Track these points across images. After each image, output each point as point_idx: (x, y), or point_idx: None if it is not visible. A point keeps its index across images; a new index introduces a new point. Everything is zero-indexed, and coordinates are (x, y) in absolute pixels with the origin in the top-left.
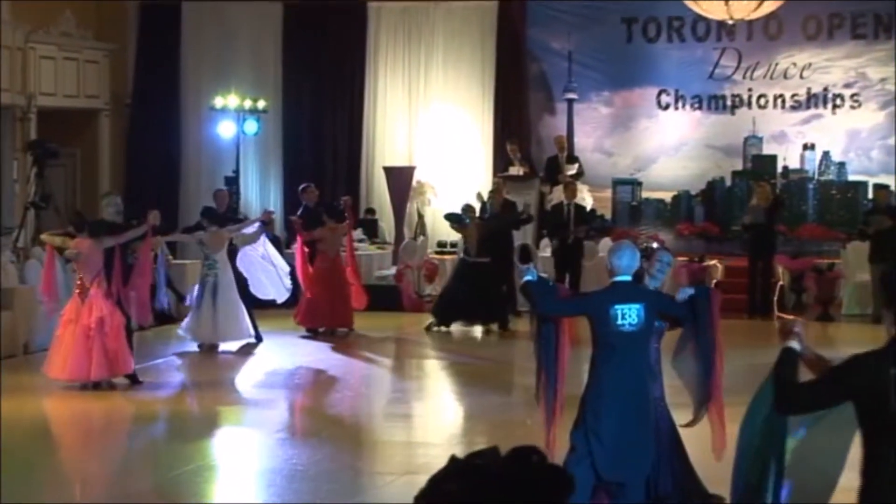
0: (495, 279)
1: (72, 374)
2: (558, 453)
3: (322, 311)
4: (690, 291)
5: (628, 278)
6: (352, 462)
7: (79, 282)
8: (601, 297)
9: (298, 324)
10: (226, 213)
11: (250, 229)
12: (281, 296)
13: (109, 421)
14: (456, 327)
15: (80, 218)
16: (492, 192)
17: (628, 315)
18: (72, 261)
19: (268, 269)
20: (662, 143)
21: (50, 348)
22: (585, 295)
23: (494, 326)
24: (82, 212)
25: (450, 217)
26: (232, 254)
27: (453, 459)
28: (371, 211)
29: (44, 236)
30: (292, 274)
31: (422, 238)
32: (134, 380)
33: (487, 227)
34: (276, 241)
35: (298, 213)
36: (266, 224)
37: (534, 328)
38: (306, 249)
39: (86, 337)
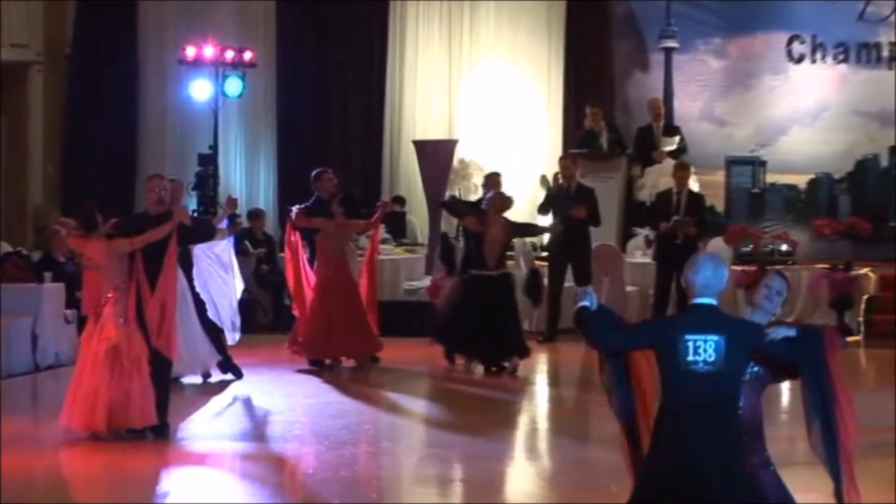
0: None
1: (80, 422)
2: None
3: (325, 335)
4: (790, 333)
5: (710, 301)
6: None
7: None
8: (670, 323)
9: (294, 353)
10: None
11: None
12: (229, 335)
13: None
14: None
15: (88, 212)
16: (559, 174)
17: (703, 350)
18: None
19: (221, 289)
20: (794, 108)
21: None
22: (652, 322)
23: (511, 361)
24: (92, 205)
25: (451, 203)
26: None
27: None
28: (398, 201)
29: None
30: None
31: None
32: (161, 431)
33: (518, 230)
34: (243, 248)
35: (305, 205)
36: (233, 221)
37: (604, 371)
38: (298, 246)
39: (94, 371)
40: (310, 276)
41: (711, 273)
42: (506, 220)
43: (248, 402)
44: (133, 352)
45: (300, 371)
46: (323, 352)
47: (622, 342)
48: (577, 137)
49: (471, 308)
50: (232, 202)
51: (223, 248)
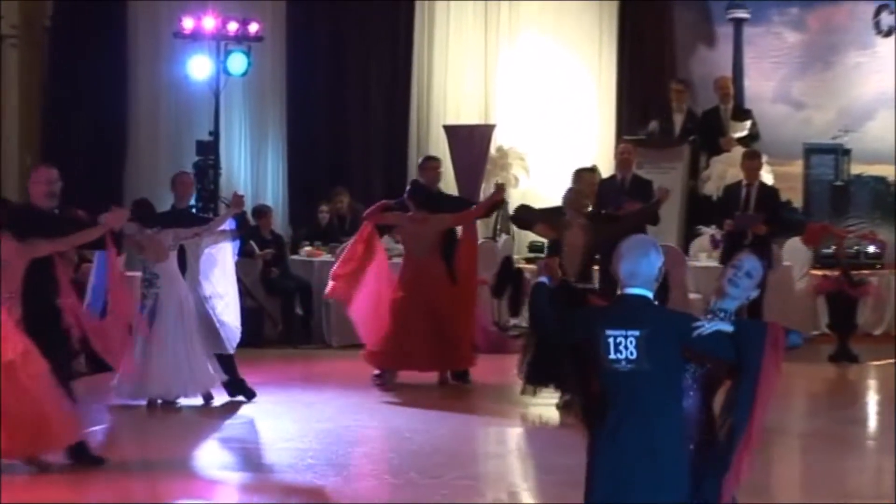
0: None
1: None
2: None
3: (405, 344)
4: (724, 327)
5: (640, 292)
6: None
7: None
8: (594, 315)
9: (368, 362)
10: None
11: (219, 227)
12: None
13: None
14: None
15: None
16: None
17: (624, 346)
18: None
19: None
20: (882, 88)
21: None
22: (580, 311)
23: None
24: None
25: (521, 212)
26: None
27: None
28: None
29: None
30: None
31: (504, 237)
32: (80, 456)
33: (609, 230)
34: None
35: (407, 193)
36: (242, 222)
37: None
38: (372, 239)
39: None
40: (384, 276)
41: (638, 260)
42: (590, 221)
43: (253, 427)
44: (33, 367)
45: (314, 388)
46: (395, 362)
47: (557, 333)
48: (649, 130)
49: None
50: (238, 200)
51: (224, 252)
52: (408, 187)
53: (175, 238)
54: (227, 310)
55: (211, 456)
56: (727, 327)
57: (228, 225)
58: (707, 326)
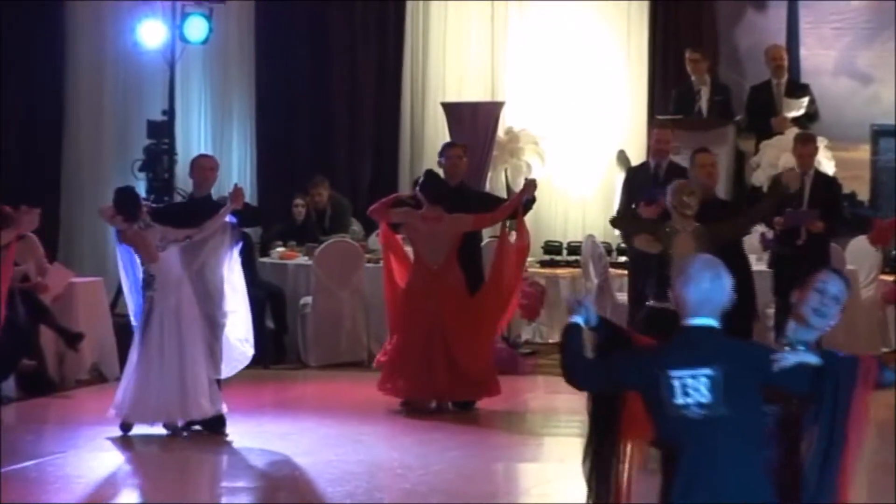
0: None
1: None
2: None
3: (416, 366)
4: (810, 359)
5: (708, 322)
6: None
7: None
8: (651, 356)
9: (386, 393)
10: (200, 199)
11: (214, 227)
12: (225, 371)
13: None
14: None
15: None
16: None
17: (694, 389)
18: None
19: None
20: None
21: None
22: (629, 354)
23: None
24: None
25: (618, 223)
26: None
27: None
28: None
29: None
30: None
31: (516, 236)
32: None
33: (729, 228)
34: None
35: (417, 185)
36: (245, 216)
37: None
38: (396, 245)
39: None
40: (396, 285)
41: (711, 285)
42: (701, 224)
43: (216, 463)
44: None
45: (288, 416)
46: (413, 389)
47: (601, 382)
48: (671, 99)
49: None
50: (238, 193)
51: (226, 254)
52: (419, 178)
53: (163, 238)
54: (236, 328)
55: (170, 493)
56: (813, 359)
57: (227, 224)
58: (788, 358)
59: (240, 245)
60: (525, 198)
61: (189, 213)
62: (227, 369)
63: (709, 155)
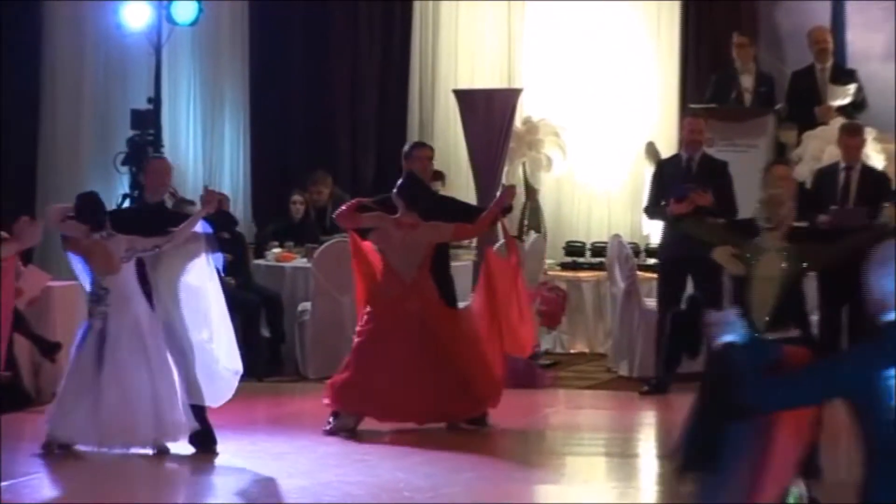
0: None
1: None
2: None
3: (378, 385)
4: None
5: None
6: None
7: None
8: (861, 356)
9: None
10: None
11: (185, 235)
12: (215, 398)
13: None
14: None
15: None
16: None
17: None
18: None
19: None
20: None
21: None
22: (828, 360)
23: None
24: None
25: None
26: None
27: None
28: (435, 177)
29: None
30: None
31: (535, 235)
32: None
33: (826, 257)
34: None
35: (396, 187)
36: (218, 222)
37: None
38: (364, 253)
39: None
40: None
41: None
42: (791, 242)
43: (207, 485)
44: None
45: (284, 434)
46: (371, 407)
47: (789, 397)
48: (709, 85)
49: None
50: (211, 196)
51: (199, 270)
52: (399, 180)
53: (129, 249)
54: (219, 353)
55: None
56: None
57: (203, 228)
58: None
59: (217, 255)
60: (503, 204)
61: (143, 220)
62: (211, 399)
63: (786, 168)
